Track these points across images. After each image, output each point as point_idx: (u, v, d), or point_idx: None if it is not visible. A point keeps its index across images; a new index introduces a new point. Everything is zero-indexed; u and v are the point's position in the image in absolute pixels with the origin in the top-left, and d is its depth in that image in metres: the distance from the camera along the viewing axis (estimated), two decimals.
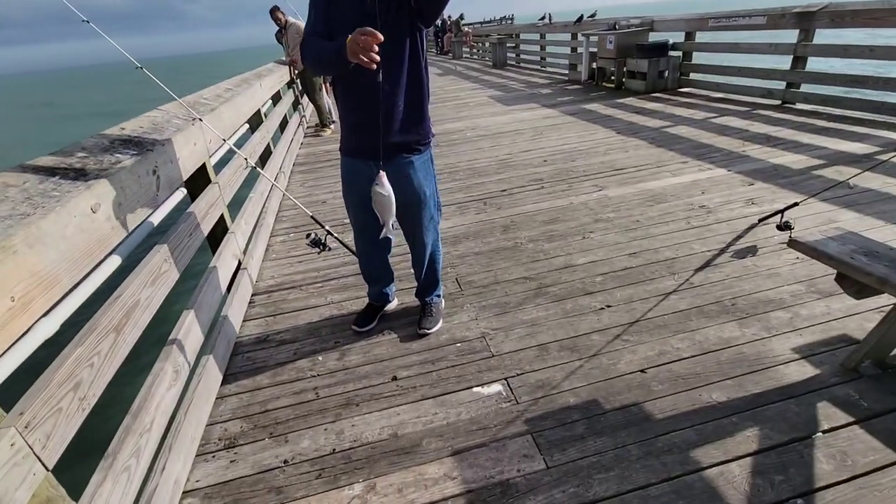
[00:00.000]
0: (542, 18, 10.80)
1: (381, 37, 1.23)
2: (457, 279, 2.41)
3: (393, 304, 2.22)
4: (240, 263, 2.42)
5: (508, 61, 12.60)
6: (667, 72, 6.54)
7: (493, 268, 2.49)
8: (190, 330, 1.59)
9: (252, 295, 2.45)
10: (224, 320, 1.96)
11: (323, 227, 2.38)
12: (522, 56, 12.35)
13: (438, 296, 2.09)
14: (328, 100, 6.69)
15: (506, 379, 1.71)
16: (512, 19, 28.87)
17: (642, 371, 1.67)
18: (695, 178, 3.40)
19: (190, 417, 1.47)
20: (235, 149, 2.21)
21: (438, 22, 18.37)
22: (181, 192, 2.15)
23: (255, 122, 3.83)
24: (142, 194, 1.43)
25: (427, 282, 2.02)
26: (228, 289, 2.15)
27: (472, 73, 11.79)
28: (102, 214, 1.20)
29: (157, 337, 1.49)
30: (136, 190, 1.40)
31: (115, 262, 1.37)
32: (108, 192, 1.23)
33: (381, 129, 1.48)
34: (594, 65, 7.85)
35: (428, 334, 1.98)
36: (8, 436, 0.78)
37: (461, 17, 16.47)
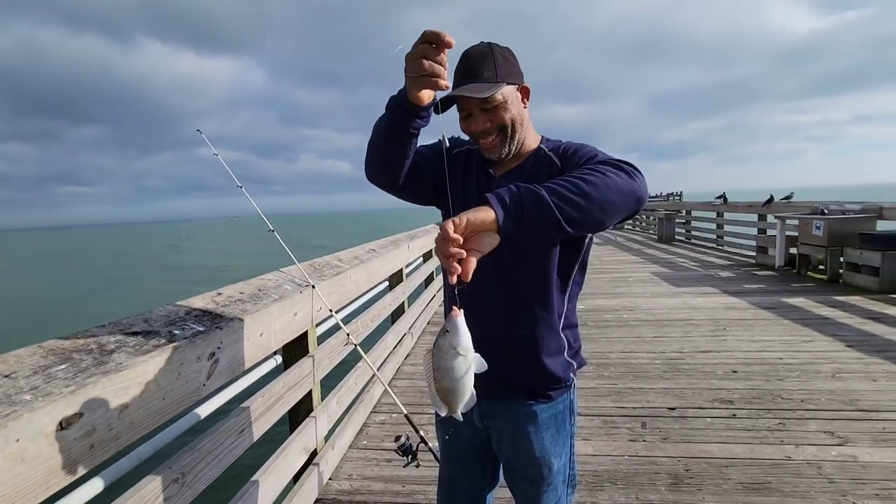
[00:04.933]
0: (719, 197, 10.02)
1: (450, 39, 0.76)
2: None
3: None
4: (313, 456, 1.96)
5: (676, 236, 11.73)
6: None
7: None
8: None
9: (316, 502, 1.92)
10: None
11: (417, 432, 1.83)
12: (694, 233, 11.40)
13: None
14: None
15: None
16: (680, 195, 28.45)
17: None
18: None
19: None
20: (342, 324, 1.94)
21: None
22: (273, 362, 1.91)
23: (395, 280, 3.77)
24: (178, 388, 1.12)
25: None
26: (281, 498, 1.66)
27: (634, 245, 11.18)
28: (78, 430, 0.86)
29: None
30: (168, 383, 1.08)
31: (92, 487, 1.00)
32: (106, 394, 0.92)
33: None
34: (793, 250, 6.58)
35: None
36: None
37: None
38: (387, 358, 3.16)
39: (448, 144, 1.11)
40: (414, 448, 1.79)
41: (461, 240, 0.75)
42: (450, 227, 0.74)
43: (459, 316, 0.82)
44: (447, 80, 0.80)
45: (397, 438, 1.82)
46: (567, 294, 1.09)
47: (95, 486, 1.04)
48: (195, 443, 1.22)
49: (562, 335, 1.08)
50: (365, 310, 2.75)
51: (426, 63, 0.77)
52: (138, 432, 1.01)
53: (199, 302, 1.44)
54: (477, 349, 0.90)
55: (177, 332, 1.21)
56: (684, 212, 12.32)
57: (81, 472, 0.88)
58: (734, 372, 3.10)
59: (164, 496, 1.09)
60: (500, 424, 1.10)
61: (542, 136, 1.12)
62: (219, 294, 1.55)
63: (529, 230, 0.79)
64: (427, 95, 0.88)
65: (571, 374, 1.10)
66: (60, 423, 0.83)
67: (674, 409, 2.63)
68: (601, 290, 6.04)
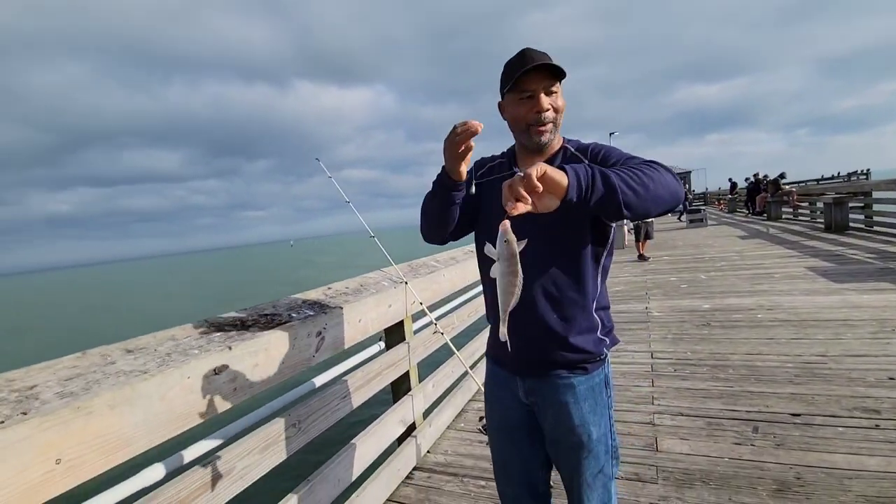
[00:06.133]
0: None
1: (478, 124, 0.94)
2: None
3: None
4: (412, 429, 2.27)
5: (851, 224, 9.74)
6: None
7: None
8: None
9: (414, 469, 2.22)
10: None
11: None
12: (878, 219, 9.34)
13: None
14: None
15: None
16: (867, 174, 23.36)
17: None
18: None
19: None
20: (430, 316, 2.22)
21: (749, 181, 16.51)
22: (377, 347, 2.26)
23: None
24: (293, 355, 1.49)
25: None
26: (376, 465, 1.99)
27: (790, 236, 9.61)
28: (226, 377, 1.26)
29: None
30: (286, 351, 1.46)
31: (239, 425, 1.41)
32: (243, 354, 1.31)
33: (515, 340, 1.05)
34: None
35: None
36: None
37: (781, 175, 14.27)
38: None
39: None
40: None
41: (540, 187, 0.82)
42: (535, 172, 0.82)
43: (503, 224, 0.89)
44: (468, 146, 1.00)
45: (481, 419, 2.03)
46: (598, 279, 1.18)
47: (242, 423, 1.45)
48: (308, 399, 1.60)
49: (595, 316, 1.18)
50: (462, 306, 3.00)
51: (461, 147, 0.99)
52: (265, 385, 1.39)
53: (314, 294, 1.84)
54: (519, 330, 1.06)
55: (294, 315, 1.61)
56: (864, 195, 10.14)
57: (228, 406, 1.28)
58: (891, 379, 2.61)
59: (285, 434, 1.47)
60: (542, 399, 1.21)
61: (563, 137, 1.22)
62: (329, 288, 1.94)
63: (591, 204, 0.89)
64: (464, 172, 1.07)
65: (604, 349, 1.20)
66: (214, 370, 1.23)
67: (798, 415, 2.35)
68: (735, 287, 5.41)
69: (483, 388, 2.01)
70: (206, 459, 1.24)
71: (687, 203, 20.85)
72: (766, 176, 15.26)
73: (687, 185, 28.76)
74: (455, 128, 0.97)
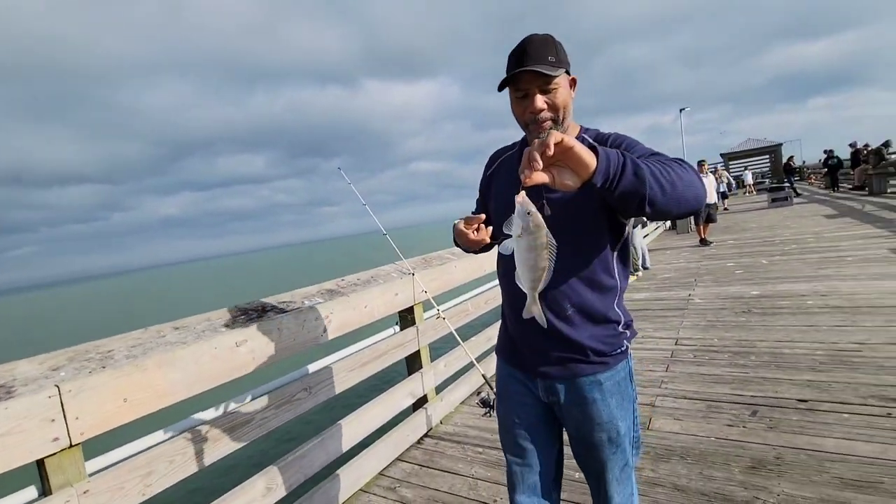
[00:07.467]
0: None
1: (481, 220, 1.03)
2: None
3: None
4: (423, 401, 2.59)
5: None
6: None
7: None
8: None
9: (424, 436, 2.55)
10: (335, 479, 2.03)
11: (492, 388, 2.28)
12: None
13: None
14: (640, 243, 6.43)
15: None
16: None
17: None
18: None
19: None
20: (436, 307, 2.52)
21: (827, 155, 14.73)
22: (392, 330, 2.60)
23: None
24: (303, 334, 1.87)
25: None
26: (387, 429, 2.33)
27: (889, 214, 8.56)
28: (245, 349, 1.65)
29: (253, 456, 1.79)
30: (296, 331, 1.84)
31: (261, 389, 1.81)
32: (258, 332, 1.70)
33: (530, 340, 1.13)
34: None
35: None
36: (67, 494, 1.18)
37: (886, 143, 12.56)
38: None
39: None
40: (490, 402, 2.25)
41: (552, 151, 0.78)
42: (554, 138, 0.78)
43: (519, 196, 0.86)
44: (485, 239, 1.07)
45: (478, 393, 2.31)
46: (620, 272, 1.13)
47: (264, 388, 1.85)
48: (319, 369, 1.97)
49: (616, 309, 1.12)
50: (478, 296, 3.25)
51: (471, 238, 1.06)
52: (279, 356, 1.78)
53: (328, 284, 2.21)
54: (535, 329, 1.04)
55: (306, 302, 1.98)
56: None
57: (248, 371, 1.67)
58: None
59: (297, 396, 1.85)
60: (565, 398, 1.13)
61: (580, 126, 1.16)
62: (342, 280, 2.31)
63: (615, 192, 0.84)
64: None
65: (625, 342, 1.14)
66: (236, 343, 1.63)
67: (805, 401, 2.34)
68: (795, 272, 5.09)
69: (487, 380, 2.28)
70: (233, 410, 1.65)
71: (791, 180, 18.82)
72: (866, 145, 13.50)
73: (774, 161, 25.97)
74: (456, 227, 1.09)
